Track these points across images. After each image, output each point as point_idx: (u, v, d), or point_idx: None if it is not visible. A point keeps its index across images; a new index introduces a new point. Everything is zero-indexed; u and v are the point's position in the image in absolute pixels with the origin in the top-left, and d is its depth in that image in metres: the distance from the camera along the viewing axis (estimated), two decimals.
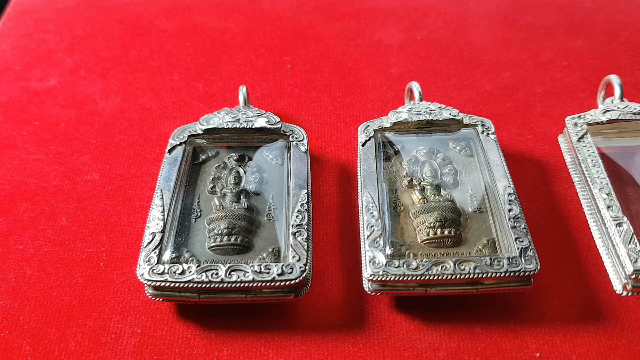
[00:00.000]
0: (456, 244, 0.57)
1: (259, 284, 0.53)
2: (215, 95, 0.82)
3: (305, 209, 0.59)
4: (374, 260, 0.54)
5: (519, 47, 0.89)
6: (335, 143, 0.75)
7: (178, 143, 0.66)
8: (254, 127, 0.66)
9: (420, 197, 0.61)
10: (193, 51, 0.90)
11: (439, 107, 0.69)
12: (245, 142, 0.68)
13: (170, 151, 0.66)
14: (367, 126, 0.68)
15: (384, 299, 0.58)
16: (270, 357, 0.54)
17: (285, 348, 0.54)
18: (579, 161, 0.65)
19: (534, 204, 0.66)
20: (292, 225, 0.57)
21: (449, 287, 0.55)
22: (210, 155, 0.67)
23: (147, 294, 0.55)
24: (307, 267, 0.54)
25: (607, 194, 0.60)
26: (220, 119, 0.67)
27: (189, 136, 0.67)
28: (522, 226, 0.57)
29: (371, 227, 0.57)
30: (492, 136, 0.67)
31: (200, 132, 0.67)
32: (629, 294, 0.57)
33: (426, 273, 0.53)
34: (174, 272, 0.53)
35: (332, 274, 0.60)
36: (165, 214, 0.58)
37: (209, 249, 0.57)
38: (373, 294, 0.55)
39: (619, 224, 0.57)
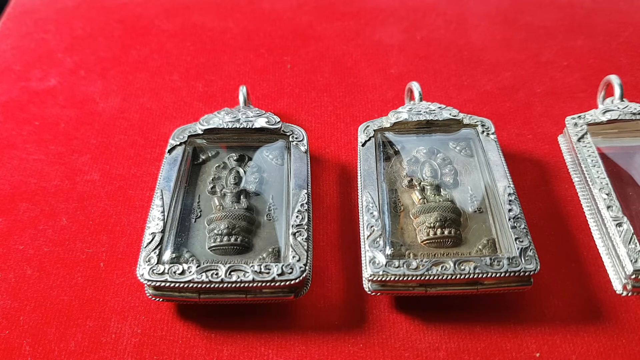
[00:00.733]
0: (456, 244, 0.57)
1: (259, 284, 0.53)
2: (215, 95, 0.82)
3: (305, 209, 0.59)
4: (374, 261, 0.54)
5: (519, 47, 0.89)
6: (335, 143, 0.75)
7: (178, 143, 0.66)
8: (254, 127, 0.66)
9: (420, 197, 0.61)
10: (193, 51, 0.90)
11: (439, 107, 0.69)
12: (245, 142, 0.68)
13: (170, 151, 0.66)
14: (367, 126, 0.68)
15: (384, 299, 0.58)
16: (270, 357, 0.54)
17: (285, 348, 0.54)
18: (579, 161, 0.65)
19: (534, 204, 0.66)
20: (292, 226, 0.57)
21: (449, 287, 0.55)
22: (210, 155, 0.67)
23: (147, 294, 0.55)
24: (307, 267, 0.54)
25: (607, 194, 0.60)
26: (220, 119, 0.67)
27: (189, 136, 0.67)
28: (522, 226, 0.57)
29: (371, 227, 0.57)
30: (492, 136, 0.67)
31: (200, 132, 0.67)
32: (629, 294, 0.57)
33: (426, 273, 0.53)
34: (174, 272, 0.53)
35: (332, 274, 0.60)
36: (165, 214, 0.58)
37: (209, 249, 0.57)
38: (373, 294, 0.55)
39: (619, 224, 0.57)
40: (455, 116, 0.67)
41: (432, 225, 0.57)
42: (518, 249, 0.55)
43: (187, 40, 0.92)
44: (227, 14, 0.97)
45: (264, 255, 0.56)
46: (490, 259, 0.54)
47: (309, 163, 0.65)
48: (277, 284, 0.53)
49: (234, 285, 0.53)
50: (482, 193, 0.62)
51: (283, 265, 0.54)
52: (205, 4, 0.99)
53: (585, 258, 0.61)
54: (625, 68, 0.85)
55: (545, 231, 0.64)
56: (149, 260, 0.54)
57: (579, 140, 0.67)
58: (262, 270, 0.53)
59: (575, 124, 0.68)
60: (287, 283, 0.53)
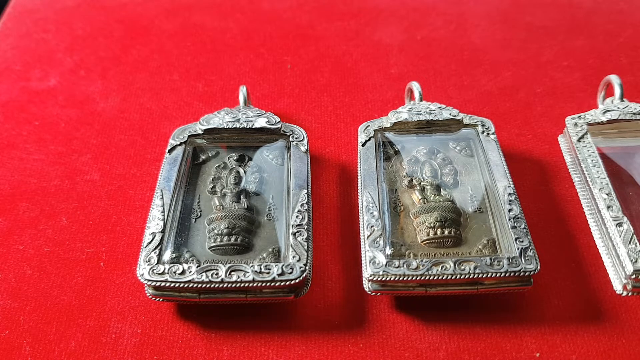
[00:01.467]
0: (456, 244, 0.57)
1: (259, 284, 0.53)
2: (215, 95, 0.82)
3: (306, 209, 0.59)
4: (374, 260, 0.54)
5: (519, 47, 0.89)
6: (335, 143, 0.75)
7: (178, 143, 0.66)
8: (254, 127, 0.66)
9: (420, 197, 0.61)
10: (193, 51, 0.90)
11: (439, 107, 0.69)
12: (245, 142, 0.68)
13: (170, 151, 0.66)
14: (367, 126, 0.68)
15: (384, 299, 0.58)
16: (270, 357, 0.54)
17: (285, 348, 0.54)
18: (579, 161, 0.65)
19: (534, 204, 0.66)
20: (292, 225, 0.57)
21: (449, 287, 0.55)
22: (210, 155, 0.67)
23: (147, 294, 0.55)
24: (307, 267, 0.54)
25: (607, 194, 0.60)
26: (220, 119, 0.67)
27: (189, 136, 0.67)
28: (522, 226, 0.57)
29: (371, 227, 0.57)
30: (492, 136, 0.67)
31: (201, 132, 0.67)
32: (629, 294, 0.57)
33: (426, 273, 0.53)
34: (174, 272, 0.53)
35: (332, 274, 0.60)
36: (166, 214, 0.58)
37: (209, 249, 0.57)
38: (373, 294, 0.55)
39: (619, 224, 0.57)
40: (455, 116, 0.67)
41: (432, 225, 0.57)
42: (518, 249, 0.55)
43: (187, 40, 0.92)
44: (227, 14, 0.97)
45: (264, 255, 0.56)
46: (491, 259, 0.54)
47: (309, 163, 0.65)
48: (277, 284, 0.53)
49: (234, 285, 0.53)
50: (482, 193, 0.62)
51: (283, 265, 0.54)
52: (205, 4, 0.99)
53: (585, 258, 0.61)
54: (625, 68, 0.85)
55: (545, 231, 0.64)
56: (149, 260, 0.54)
57: (579, 140, 0.67)
58: (262, 270, 0.53)
59: (576, 124, 0.68)
60: (287, 283, 0.53)
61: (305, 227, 0.57)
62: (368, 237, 0.56)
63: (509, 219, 0.57)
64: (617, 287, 0.57)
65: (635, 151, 0.66)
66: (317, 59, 0.88)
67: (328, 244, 0.63)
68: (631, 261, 0.54)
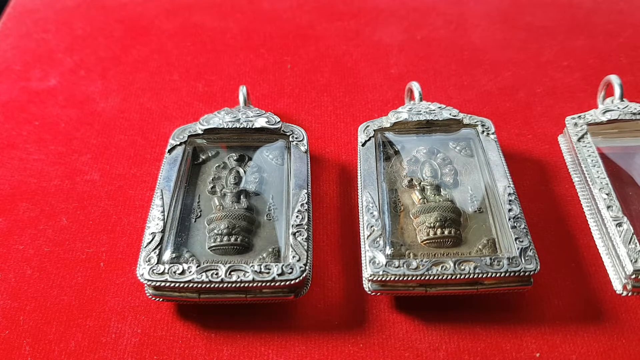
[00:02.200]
0: (456, 244, 0.57)
1: (259, 284, 0.53)
2: (215, 95, 0.82)
3: (305, 209, 0.59)
4: (374, 260, 0.54)
5: (519, 47, 0.89)
6: (335, 143, 0.75)
7: (178, 143, 0.66)
8: (254, 127, 0.66)
9: (420, 197, 0.61)
10: (193, 51, 0.90)
11: (439, 107, 0.69)
12: (245, 142, 0.68)
13: (170, 151, 0.66)
14: (367, 126, 0.68)
15: (384, 299, 0.58)
16: (270, 357, 0.54)
17: (285, 348, 0.54)
18: (579, 161, 0.65)
19: (534, 204, 0.66)
20: (292, 225, 0.57)
21: (449, 287, 0.55)
22: (210, 155, 0.67)
23: (147, 294, 0.55)
24: (307, 267, 0.54)
25: (607, 194, 0.60)
26: (220, 119, 0.67)
27: (189, 136, 0.67)
28: (522, 226, 0.57)
29: (371, 227, 0.57)
30: (492, 136, 0.67)
31: (200, 132, 0.67)
32: (629, 294, 0.57)
33: (426, 273, 0.53)
34: (174, 272, 0.53)
35: (332, 274, 0.60)
36: (165, 214, 0.58)
37: (209, 249, 0.57)
38: (373, 294, 0.55)
39: (619, 224, 0.57)
40: (455, 116, 0.67)
41: (432, 225, 0.57)
42: (518, 249, 0.55)
43: (187, 40, 0.92)
44: (227, 14, 0.97)
45: (264, 255, 0.56)
46: (490, 259, 0.54)
47: (309, 163, 0.65)
48: (277, 284, 0.53)
49: (234, 285, 0.53)
50: (482, 193, 0.62)
51: (283, 265, 0.54)
52: (205, 4, 0.99)
53: (585, 258, 0.61)
54: (625, 68, 0.85)
55: (545, 231, 0.64)
56: (149, 260, 0.54)
57: (579, 140, 0.67)
58: (262, 270, 0.53)
59: (575, 124, 0.68)
60: (287, 283, 0.53)
61: (305, 227, 0.57)
62: (368, 237, 0.56)
63: (509, 219, 0.57)
64: (617, 287, 0.57)
65: (635, 151, 0.66)
66: (317, 59, 0.88)
67: (328, 244, 0.63)
68: (631, 261, 0.54)
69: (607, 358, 0.53)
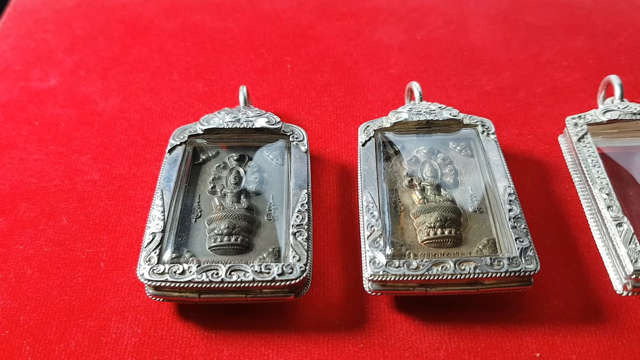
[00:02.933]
0: (456, 244, 0.57)
1: (259, 284, 0.53)
2: (215, 95, 0.82)
3: (306, 209, 0.59)
4: (374, 260, 0.54)
5: (519, 47, 0.89)
6: (335, 143, 0.75)
7: (178, 143, 0.66)
8: (254, 127, 0.66)
9: (420, 197, 0.61)
10: (193, 51, 0.90)
11: (439, 107, 0.69)
12: (245, 142, 0.68)
13: (170, 151, 0.66)
14: (367, 126, 0.68)
15: (384, 299, 0.58)
16: (270, 357, 0.54)
17: (285, 348, 0.54)
18: (579, 161, 0.65)
19: (534, 204, 0.66)
20: (292, 225, 0.57)
21: (449, 287, 0.55)
22: (210, 155, 0.67)
23: (147, 294, 0.55)
24: (307, 267, 0.54)
25: (607, 194, 0.60)
26: (220, 119, 0.67)
27: (189, 136, 0.67)
28: (522, 226, 0.57)
29: (371, 227, 0.57)
30: (492, 136, 0.67)
31: (201, 132, 0.67)
32: (629, 294, 0.57)
33: (426, 273, 0.53)
34: (174, 272, 0.53)
35: (332, 274, 0.60)
36: (166, 214, 0.58)
37: (209, 249, 0.57)
38: (373, 294, 0.55)
39: (619, 224, 0.57)
40: (455, 116, 0.67)
41: (432, 225, 0.57)
42: (518, 249, 0.55)
43: (187, 40, 0.92)
44: (227, 14, 0.97)
45: (264, 255, 0.56)
46: (491, 259, 0.54)
47: (309, 163, 0.65)
48: (277, 284, 0.53)
49: (234, 285, 0.53)
50: (482, 193, 0.62)
51: (283, 265, 0.54)
52: (205, 4, 0.99)
53: (585, 258, 0.61)
54: (625, 68, 0.85)
55: (545, 231, 0.64)
56: (149, 260, 0.54)
57: (579, 140, 0.67)
58: (262, 270, 0.53)
59: (576, 124, 0.69)
60: (287, 283, 0.53)
61: (305, 227, 0.57)
62: (368, 237, 0.56)
63: (509, 219, 0.57)
64: (617, 287, 0.57)
65: (635, 151, 0.66)
66: (317, 59, 0.88)
67: (328, 244, 0.63)
68: (631, 261, 0.54)
69: (607, 358, 0.53)
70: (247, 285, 0.53)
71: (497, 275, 0.53)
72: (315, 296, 0.58)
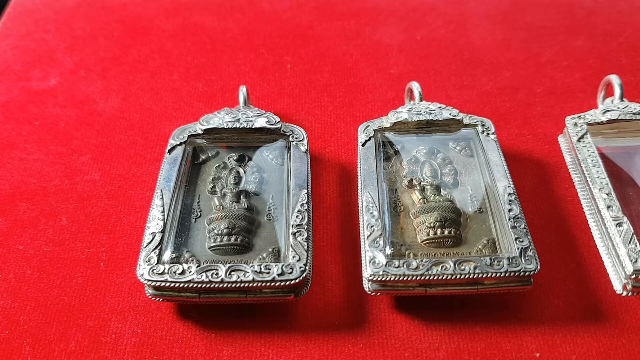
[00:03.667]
0: (456, 244, 0.57)
1: (259, 284, 0.53)
2: (215, 95, 0.82)
3: (305, 209, 0.59)
4: (374, 260, 0.54)
5: (519, 47, 0.89)
6: (335, 143, 0.75)
7: (178, 143, 0.66)
8: (254, 127, 0.66)
9: (420, 197, 0.61)
10: (193, 51, 0.90)
11: (439, 107, 0.69)
12: (245, 142, 0.68)
13: (170, 151, 0.66)
14: (367, 126, 0.68)
15: (384, 299, 0.58)
16: (270, 357, 0.54)
17: (285, 348, 0.54)
18: (579, 161, 0.65)
19: (534, 204, 0.66)
20: (292, 225, 0.57)
21: (449, 287, 0.55)
22: (210, 155, 0.67)
23: (147, 294, 0.55)
24: (307, 267, 0.54)
25: (607, 194, 0.60)
26: (220, 119, 0.67)
27: (189, 136, 0.67)
28: (522, 226, 0.57)
29: (371, 227, 0.57)
30: (492, 136, 0.67)
31: (200, 132, 0.67)
32: (629, 294, 0.57)
33: (426, 273, 0.53)
34: (174, 272, 0.53)
35: (332, 274, 0.60)
36: (165, 214, 0.58)
37: (209, 249, 0.57)
38: (373, 294, 0.55)
39: (619, 224, 0.57)
40: (455, 116, 0.67)
41: (432, 225, 0.57)
42: (518, 249, 0.55)
43: (187, 40, 0.92)
44: (227, 14, 0.97)
45: (264, 255, 0.56)
46: (490, 259, 0.54)
47: (309, 163, 0.65)
48: (277, 284, 0.53)
49: (234, 285, 0.53)
50: (482, 193, 0.62)
51: (283, 265, 0.54)
52: (205, 4, 0.99)
53: (585, 258, 0.61)
54: (625, 68, 0.85)
55: (545, 231, 0.64)
56: (149, 260, 0.54)
57: (579, 140, 0.67)
58: (262, 270, 0.53)
59: (575, 124, 0.68)
60: (287, 283, 0.53)
61: (305, 227, 0.57)
62: (368, 237, 0.56)
63: (509, 219, 0.57)
64: (617, 287, 0.57)
65: (635, 151, 0.66)
66: (317, 59, 0.88)
67: (328, 244, 0.63)
68: (631, 261, 0.54)
69: (607, 358, 0.53)
70: (246, 285, 0.53)
71: (497, 275, 0.53)
72: (315, 296, 0.58)
